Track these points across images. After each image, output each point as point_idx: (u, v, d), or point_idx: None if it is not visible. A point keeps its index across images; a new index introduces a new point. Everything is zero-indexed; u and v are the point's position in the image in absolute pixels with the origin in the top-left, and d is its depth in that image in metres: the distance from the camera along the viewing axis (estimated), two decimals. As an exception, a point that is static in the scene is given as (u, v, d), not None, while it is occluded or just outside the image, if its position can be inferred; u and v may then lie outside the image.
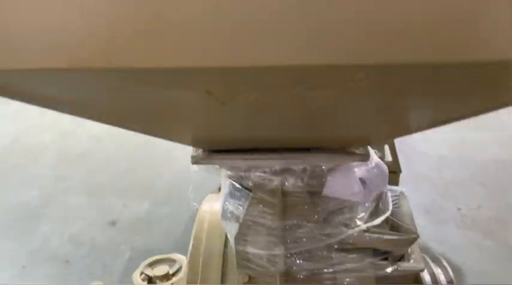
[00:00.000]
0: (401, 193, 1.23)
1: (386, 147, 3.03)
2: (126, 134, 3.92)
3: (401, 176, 3.39)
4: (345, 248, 1.11)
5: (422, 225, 3.05)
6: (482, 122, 3.96)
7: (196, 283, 1.20)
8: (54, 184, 3.37)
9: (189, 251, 1.25)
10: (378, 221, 1.11)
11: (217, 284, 1.18)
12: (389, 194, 1.17)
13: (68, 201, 3.23)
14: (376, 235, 1.09)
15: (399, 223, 1.12)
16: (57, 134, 3.89)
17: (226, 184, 1.11)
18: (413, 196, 3.26)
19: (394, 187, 1.23)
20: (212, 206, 1.36)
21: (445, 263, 1.41)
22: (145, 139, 3.81)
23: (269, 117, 0.71)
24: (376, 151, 2.32)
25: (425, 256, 1.48)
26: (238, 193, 1.07)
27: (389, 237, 1.09)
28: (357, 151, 0.90)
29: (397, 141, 3.30)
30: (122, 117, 0.67)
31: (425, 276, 1.37)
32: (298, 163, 0.89)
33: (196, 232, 1.29)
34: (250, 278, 1.17)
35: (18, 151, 3.71)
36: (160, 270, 1.52)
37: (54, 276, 2.71)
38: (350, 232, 1.08)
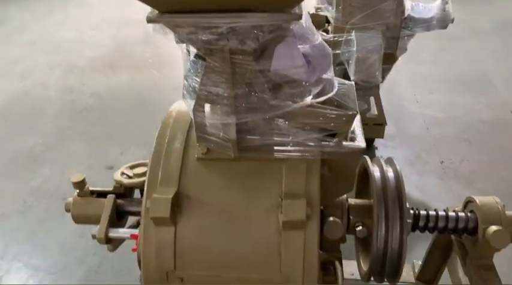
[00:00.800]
0: (351, 85, 1.34)
1: (372, 100, 3.13)
2: (127, 93, 4.12)
3: (391, 133, 3.49)
4: (293, 122, 1.23)
5: (405, 174, 3.16)
6: (472, 86, 4.04)
7: (161, 158, 1.33)
8: (56, 133, 3.54)
9: (157, 133, 1.39)
10: (322, 98, 1.23)
11: (179, 156, 1.31)
12: (335, 79, 1.29)
13: (69, 148, 3.39)
14: (318, 110, 1.21)
15: (342, 102, 1.24)
16: (62, 91, 4.07)
17: (186, 64, 1.24)
18: (400, 150, 3.36)
19: (344, 80, 1.35)
20: (182, 104, 1.48)
21: (395, 162, 1.53)
22: (146, 96, 3.97)
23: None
24: (363, 103, 2.44)
25: (380, 157, 1.61)
26: (196, 66, 1.19)
27: (330, 112, 1.21)
28: (292, 11, 1.02)
29: (387, 104, 3.41)
30: None
31: (375, 173, 1.49)
32: (241, 21, 1.01)
33: (165, 119, 1.42)
34: (208, 150, 1.31)
35: (25, 105, 3.89)
36: (139, 170, 1.65)
37: (52, 211, 2.87)
38: (295, 105, 1.20)
